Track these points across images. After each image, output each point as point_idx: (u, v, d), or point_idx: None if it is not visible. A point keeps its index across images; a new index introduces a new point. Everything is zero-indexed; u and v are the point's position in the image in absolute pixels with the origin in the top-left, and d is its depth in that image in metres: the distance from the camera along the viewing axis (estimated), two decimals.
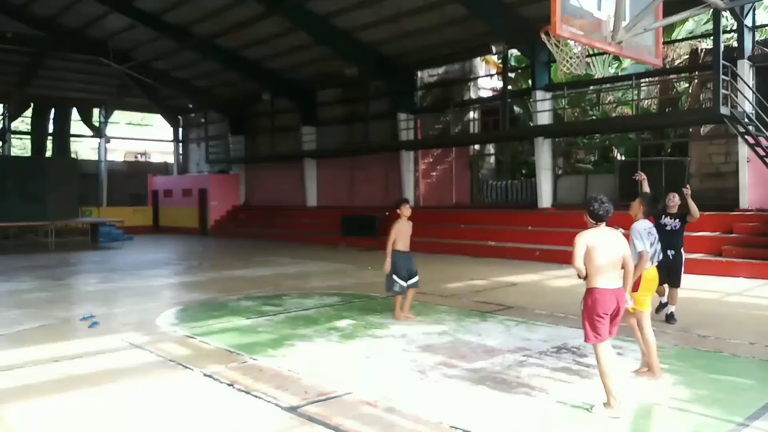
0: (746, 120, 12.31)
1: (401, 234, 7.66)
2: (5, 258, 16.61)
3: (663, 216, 7.67)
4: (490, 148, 21.31)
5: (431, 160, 21.01)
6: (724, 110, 11.98)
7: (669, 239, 7.60)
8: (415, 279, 7.73)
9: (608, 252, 4.37)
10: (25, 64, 25.58)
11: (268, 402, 4.65)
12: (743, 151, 13.03)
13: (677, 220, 7.57)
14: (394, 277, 7.58)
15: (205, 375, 5.36)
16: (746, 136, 12.28)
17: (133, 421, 4.41)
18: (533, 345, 6.36)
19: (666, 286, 7.64)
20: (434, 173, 21.08)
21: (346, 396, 4.77)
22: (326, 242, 19.94)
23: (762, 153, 12.06)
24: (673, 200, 7.66)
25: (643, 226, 5.43)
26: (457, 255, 15.97)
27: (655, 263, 5.47)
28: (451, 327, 7.31)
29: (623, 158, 18.22)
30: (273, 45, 21.09)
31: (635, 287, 5.13)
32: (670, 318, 7.50)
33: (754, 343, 6.42)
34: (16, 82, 26.34)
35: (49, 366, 5.72)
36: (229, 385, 5.08)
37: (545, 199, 17.01)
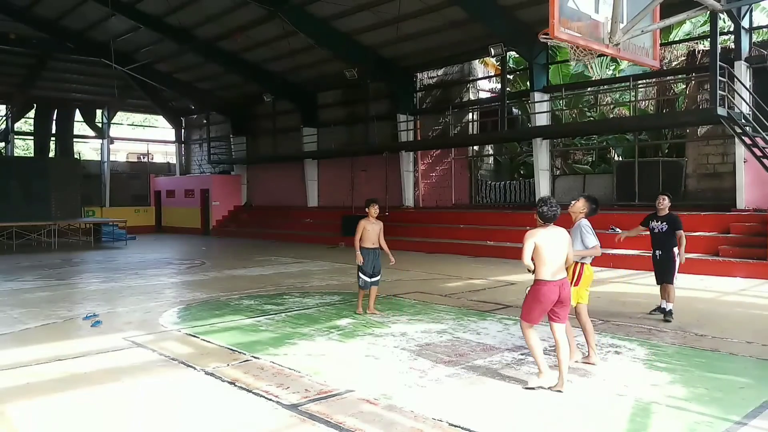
0: (743, 121, 12.38)
1: (367, 232, 8.03)
2: (8, 257, 16.65)
3: (651, 220, 7.77)
4: (489, 149, 21.39)
5: (431, 160, 21.09)
6: (721, 111, 12.04)
7: (656, 241, 7.77)
8: (377, 278, 8.08)
9: (554, 249, 4.85)
10: (28, 65, 25.57)
11: (270, 400, 4.67)
12: (740, 151, 13.11)
13: (664, 223, 7.66)
14: (359, 272, 7.98)
15: (206, 373, 5.40)
16: (743, 137, 12.34)
17: (136, 419, 4.44)
18: None
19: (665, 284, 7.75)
20: (434, 174, 21.15)
21: (346, 394, 4.80)
22: (327, 242, 20.00)
23: (759, 153, 12.11)
24: (663, 203, 7.73)
25: (588, 223, 5.78)
26: (456, 255, 16.04)
27: (590, 260, 5.81)
28: (450, 326, 7.36)
29: (621, 159, 18.26)
30: (274, 48, 21.15)
31: (576, 282, 5.54)
32: (667, 315, 7.56)
33: (751, 342, 6.46)
34: (19, 83, 26.32)
35: (51, 365, 5.74)
36: (231, 383, 5.10)
37: None
